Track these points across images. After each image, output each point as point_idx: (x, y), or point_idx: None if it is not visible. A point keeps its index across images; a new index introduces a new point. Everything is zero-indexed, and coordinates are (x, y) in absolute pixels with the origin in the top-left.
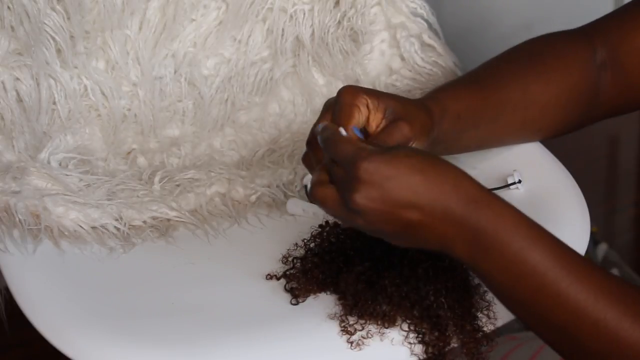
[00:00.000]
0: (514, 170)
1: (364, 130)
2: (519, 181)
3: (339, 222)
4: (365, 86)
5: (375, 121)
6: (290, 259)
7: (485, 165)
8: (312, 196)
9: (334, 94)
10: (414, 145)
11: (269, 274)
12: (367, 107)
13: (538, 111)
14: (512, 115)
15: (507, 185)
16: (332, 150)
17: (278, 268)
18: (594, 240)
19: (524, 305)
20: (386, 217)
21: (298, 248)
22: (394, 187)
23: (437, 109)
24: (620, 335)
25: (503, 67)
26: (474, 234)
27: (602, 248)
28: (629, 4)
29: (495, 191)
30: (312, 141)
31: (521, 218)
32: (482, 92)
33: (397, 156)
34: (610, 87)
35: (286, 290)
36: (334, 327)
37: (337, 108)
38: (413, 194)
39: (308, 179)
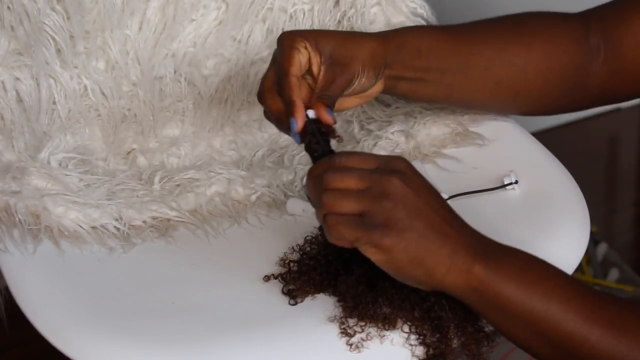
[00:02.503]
0: (511, 171)
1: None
2: (516, 182)
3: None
4: None
5: (316, 64)
6: (286, 261)
7: (486, 165)
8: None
9: None
10: (363, 80)
11: (266, 276)
12: (307, 48)
13: (515, 74)
14: (485, 71)
15: (504, 186)
16: (350, 160)
17: (277, 269)
18: (594, 240)
19: (517, 337)
20: (414, 214)
21: (294, 252)
22: (425, 192)
23: (395, 39)
24: (604, 353)
25: (483, 25)
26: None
27: (602, 248)
28: None
29: (493, 192)
30: (262, 94)
31: (504, 252)
32: (451, 38)
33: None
34: (601, 72)
35: (283, 293)
36: (334, 328)
37: (278, 54)
38: (439, 207)
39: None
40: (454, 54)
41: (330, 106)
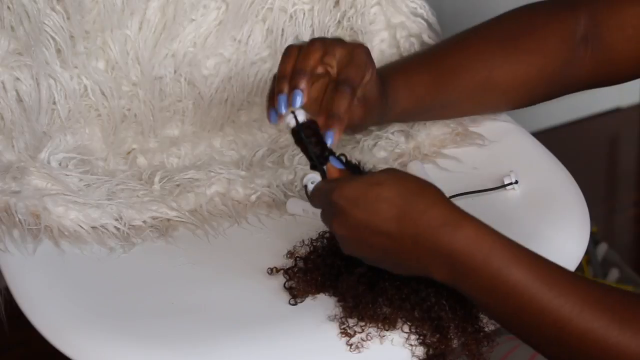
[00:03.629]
0: (511, 171)
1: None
2: (516, 182)
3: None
4: None
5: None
6: (294, 256)
7: (486, 165)
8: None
9: None
10: (373, 77)
11: (269, 268)
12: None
13: (500, 94)
14: (471, 99)
15: (504, 186)
16: (314, 198)
17: (283, 262)
18: (594, 240)
19: (510, 323)
20: (359, 243)
21: (304, 245)
22: (360, 213)
23: (392, 95)
24: (609, 343)
25: (470, 47)
26: (450, 258)
27: (602, 248)
28: None
29: (493, 192)
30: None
31: (496, 237)
32: (438, 78)
33: (370, 183)
34: (588, 61)
35: (285, 288)
36: (334, 328)
37: (301, 55)
38: (381, 220)
39: (308, 178)
40: (440, 93)
41: (352, 94)
